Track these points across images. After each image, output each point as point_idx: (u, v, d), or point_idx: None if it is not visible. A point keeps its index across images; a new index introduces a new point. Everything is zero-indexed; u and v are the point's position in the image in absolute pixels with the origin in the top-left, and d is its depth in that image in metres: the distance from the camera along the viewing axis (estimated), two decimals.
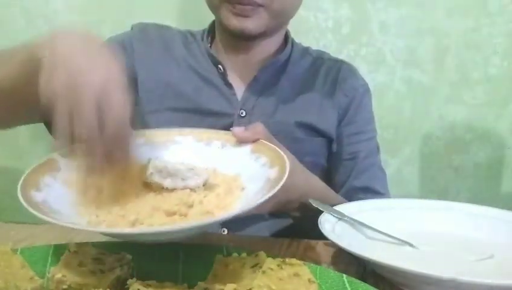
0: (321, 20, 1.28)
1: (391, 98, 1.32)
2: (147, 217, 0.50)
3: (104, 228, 0.50)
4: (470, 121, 1.32)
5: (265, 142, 0.61)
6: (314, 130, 0.89)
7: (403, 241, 0.63)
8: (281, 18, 0.86)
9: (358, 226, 0.65)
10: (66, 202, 0.52)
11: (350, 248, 0.54)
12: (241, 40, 0.87)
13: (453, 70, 1.29)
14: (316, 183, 0.78)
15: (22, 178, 0.50)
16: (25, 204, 0.46)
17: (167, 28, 0.96)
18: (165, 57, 0.91)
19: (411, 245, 0.62)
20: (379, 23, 1.28)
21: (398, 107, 1.32)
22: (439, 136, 1.33)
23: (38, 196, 0.49)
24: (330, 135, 0.90)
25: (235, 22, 0.81)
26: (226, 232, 0.85)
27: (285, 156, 0.56)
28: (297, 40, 0.99)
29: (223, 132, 0.65)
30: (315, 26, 1.28)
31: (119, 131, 0.50)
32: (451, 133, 1.33)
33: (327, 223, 0.62)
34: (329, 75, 0.93)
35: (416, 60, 1.29)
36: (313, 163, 0.89)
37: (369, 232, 0.65)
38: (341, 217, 0.65)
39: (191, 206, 0.52)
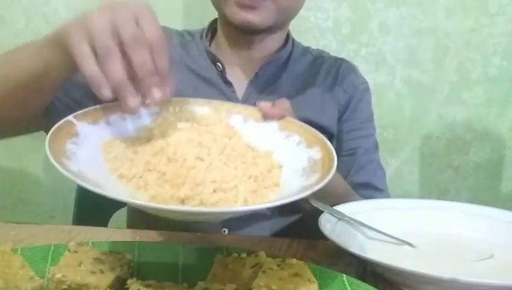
0: (321, 20, 1.28)
1: (391, 98, 1.32)
2: (196, 193, 0.47)
3: (159, 205, 0.45)
4: (470, 121, 1.32)
5: (293, 119, 0.59)
6: (315, 127, 0.89)
7: (402, 241, 0.63)
8: (287, 13, 0.86)
9: (358, 226, 0.65)
10: (100, 171, 0.49)
11: (350, 248, 0.54)
12: (245, 35, 0.86)
13: (453, 70, 1.29)
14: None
15: (47, 146, 0.46)
16: (69, 176, 0.43)
17: (164, 28, 0.95)
18: None
19: (411, 245, 0.62)
20: (379, 23, 1.28)
21: (398, 107, 1.32)
22: (439, 136, 1.33)
23: (72, 166, 0.47)
24: (331, 132, 0.90)
25: (242, 15, 0.80)
26: (226, 232, 0.85)
27: (321, 135, 0.54)
28: (297, 40, 0.99)
29: (242, 106, 0.62)
30: (315, 26, 1.28)
31: (159, 40, 0.52)
32: (451, 133, 1.33)
33: (327, 223, 0.62)
34: (330, 72, 0.93)
35: (416, 60, 1.29)
36: None
37: (369, 232, 0.65)
38: (341, 217, 0.65)
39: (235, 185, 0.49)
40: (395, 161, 1.35)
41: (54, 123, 0.80)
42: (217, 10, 0.88)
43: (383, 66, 1.30)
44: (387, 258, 0.51)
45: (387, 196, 0.91)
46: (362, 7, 1.27)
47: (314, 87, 0.91)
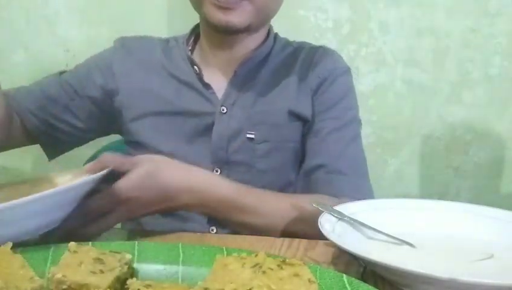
0: (321, 20, 1.28)
1: (391, 98, 1.32)
2: None
3: None
4: (470, 121, 1.32)
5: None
6: (293, 115, 0.89)
7: (402, 241, 0.63)
8: (264, 13, 0.86)
9: (358, 226, 0.65)
10: None
11: (350, 248, 0.54)
12: (225, 35, 0.87)
13: (453, 70, 1.29)
14: (203, 178, 0.72)
15: None
16: None
17: (147, 38, 0.98)
18: (145, 66, 0.93)
19: (411, 245, 0.62)
20: (379, 23, 1.28)
21: (398, 107, 1.32)
22: (439, 136, 1.33)
23: None
24: (307, 118, 0.89)
25: (219, 16, 0.81)
26: (214, 231, 0.85)
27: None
28: (297, 40, 0.99)
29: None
30: (315, 26, 1.28)
31: None
32: (451, 133, 1.33)
33: (327, 223, 0.62)
34: (306, 60, 0.93)
35: (416, 60, 1.29)
36: (294, 148, 0.89)
37: (369, 232, 0.65)
38: (341, 217, 0.65)
39: None
40: (395, 161, 1.35)
41: (35, 139, 0.87)
42: (197, 11, 0.88)
43: (383, 66, 1.30)
44: (387, 258, 0.51)
45: (359, 183, 0.85)
46: (362, 7, 1.27)
47: (291, 75, 0.91)
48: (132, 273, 0.51)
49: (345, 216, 0.65)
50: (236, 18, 0.82)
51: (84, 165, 1.06)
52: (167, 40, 0.97)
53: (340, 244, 0.55)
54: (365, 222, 0.65)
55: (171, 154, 0.72)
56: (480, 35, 1.26)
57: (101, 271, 0.48)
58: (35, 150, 1.34)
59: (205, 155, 0.87)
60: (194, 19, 0.93)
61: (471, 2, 1.25)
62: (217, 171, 0.87)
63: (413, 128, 1.33)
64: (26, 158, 1.37)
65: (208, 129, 0.87)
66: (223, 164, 0.87)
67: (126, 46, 0.95)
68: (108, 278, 0.48)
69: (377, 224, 0.65)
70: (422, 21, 1.27)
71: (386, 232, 0.64)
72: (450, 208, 0.72)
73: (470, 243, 0.65)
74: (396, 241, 0.63)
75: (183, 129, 0.88)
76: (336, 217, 0.65)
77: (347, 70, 0.94)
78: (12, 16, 1.33)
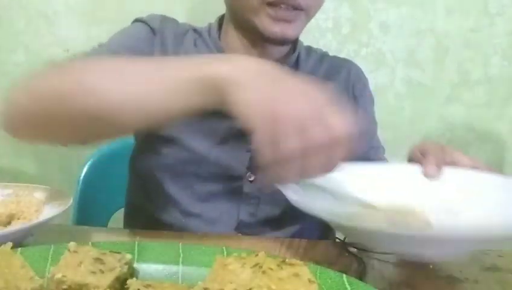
0: (321, 20, 1.28)
1: (391, 98, 1.32)
2: None
3: None
4: (470, 121, 1.32)
5: None
6: None
7: (366, 204, 0.62)
8: (309, 21, 0.86)
9: (321, 192, 0.62)
10: None
11: (317, 213, 0.52)
12: (274, 45, 0.84)
13: (453, 70, 1.29)
14: None
15: None
16: None
17: (179, 23, 0.91)
18: (177, 56, 0.85)
19: (373, 207, 0.62)
20: (379, 23, 1.28)
21: (398, 107, 1.32)
22: (439, 136, 1.33)
23: None
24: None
25: (275, 29, 0.79)
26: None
27: None
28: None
29: None
30: (315, 26, 1.28)
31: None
32: (451, 133, 1.33)
33: (289, 191, 0.59)
34: (342, 76, 0.93)
35: (416, 60, 1.29)
36: None
37: (332, 196, 0.62)
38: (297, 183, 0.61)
39: None
40: (395, 161, 1.35)
41: None
42: (245, 18, 0.82)
43: (383, 66, 1.30)
44: (356, 221, 0.50)
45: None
46: (362, 7, 1.27)
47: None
48: (132, 273, 0.51)
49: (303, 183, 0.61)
50: (292, 31, 0.80)
51: (83, 164, 1.06)
52: (194, 29, 0.90)
53: (308, 211, 0.53)
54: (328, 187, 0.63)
55: (204, 155, 0.74)
56: (480, 35, 1.26)
57: (101, 271, 0.48)
58: (36, 150, 1.34)
59: (241, 159, 0.82)
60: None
61: (471, 2, 1.25)
62: (249, 178, 0.83)
63: (413, 129, 1.33)
64: (26, 158, 1.37)
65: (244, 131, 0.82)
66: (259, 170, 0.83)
67: (164, 26, 0.88)
68: (108, 278, 0.48)
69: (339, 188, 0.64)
70: (422, 21, 1.27)
71: (352, 195, 0.63)
72: (413, 171, 0.72)
73: (430, 203, 0.65)
74: (360, 203, 0.62)
75: (218, 129, 0.82)
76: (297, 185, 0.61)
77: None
78: (12, 16, 1.33)
